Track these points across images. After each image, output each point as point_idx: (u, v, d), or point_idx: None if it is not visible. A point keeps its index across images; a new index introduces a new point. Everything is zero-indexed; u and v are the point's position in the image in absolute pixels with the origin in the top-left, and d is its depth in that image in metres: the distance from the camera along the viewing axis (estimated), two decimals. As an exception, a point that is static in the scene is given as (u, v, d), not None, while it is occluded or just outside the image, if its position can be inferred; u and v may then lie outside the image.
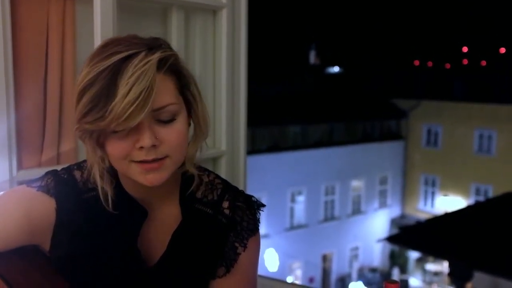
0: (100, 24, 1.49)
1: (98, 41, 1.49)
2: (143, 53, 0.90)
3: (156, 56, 0.90)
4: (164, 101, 0.92)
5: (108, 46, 0.92)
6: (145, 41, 0.94)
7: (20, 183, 1.37)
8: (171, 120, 0.94)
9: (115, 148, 0.93)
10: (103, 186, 1.00)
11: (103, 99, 0.87)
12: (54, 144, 1.53)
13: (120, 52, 0.89)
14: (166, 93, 0.93)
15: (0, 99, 1.37)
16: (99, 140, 0.94)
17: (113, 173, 1.02)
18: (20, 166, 1.46)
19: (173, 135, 0.94)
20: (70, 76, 1.54)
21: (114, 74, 0.87)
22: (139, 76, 0.87)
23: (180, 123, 0.96)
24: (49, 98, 1.51)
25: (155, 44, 0.94)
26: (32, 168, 1.49)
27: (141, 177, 0.95)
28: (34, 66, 1.48)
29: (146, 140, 0.91)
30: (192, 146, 1.04)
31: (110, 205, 1.01)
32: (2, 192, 1.08)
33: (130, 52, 0.89)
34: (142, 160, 0.93)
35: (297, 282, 18.06)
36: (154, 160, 0.93)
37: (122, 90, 0.86)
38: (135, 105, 0.86)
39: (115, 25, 1.53)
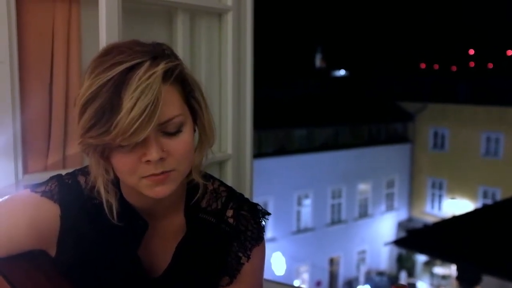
0: (105, 28, 1.49)
1: (103, 44, 1.48)
2: (147, 63, 0.86)
3: (161, 67, 0.87)
4: (171, 114, 0.89)
5: (109, 55, 0.89)
6: (148, 48, 0.91)
7: (26, 187, 1.37)
8: (177, 132, 0.92)
9: (122, 163, 0.90)
10: (108, 199, 0.98)
11: (107, 113, 0.84)
12: (60, 148, 1.53)
13: (123, 62, 0.86)
14: (172, 105, 0.90)
15: (5, 103, 1.37)
16: (104, 153, 0.92)
17: (116, 184, 1.01)
18: (25, 170, 1.46)
19: (180, 146, 0.92)
20: (75, 80, 1.53)
21: (117, 86, 0.84)
22: (144, 89, 0.83)
23: (186, 134, 0.93)
24: (55, 102, 1.51)
25: (159, 52, 0.91)
26: (38, 172, 1.48)
27: (149, 191, 0.93)
28: (40, 69, 1.48)
29: (153, 154, 0.88)
30: (198, 155, 1.01)
31: (115, 217, 0.99)
32: (6, 197, 1.07)
33: (134, 62, 0.86)
34: (150, 174, 0.91)
35: (304, 286, 18.01)
36: (162, 173, 0.91)
37: (127, 104, 0.83)
38: (140, 119, 0.83)
39: (120, 28, 1.53)
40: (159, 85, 0.86)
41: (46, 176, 1.09)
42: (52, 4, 1.50)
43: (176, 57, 0.95)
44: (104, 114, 0.84)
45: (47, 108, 1.51)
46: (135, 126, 0.83)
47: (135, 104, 0.83)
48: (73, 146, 1.56)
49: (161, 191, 0.93)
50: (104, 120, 0.84)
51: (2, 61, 1.35)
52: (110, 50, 0.90)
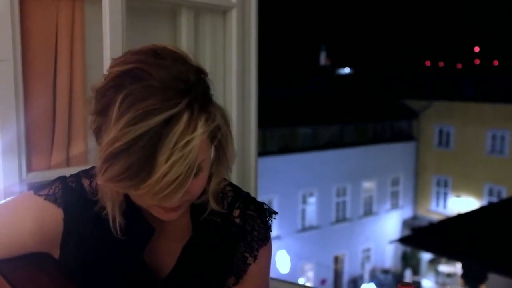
0: (109, 26, 1.49)
1: (107, 43, 1.48)
2: (185, 119, 0.80)
3: (200, 131, 0.81)
4: (198, 160, 0.85)
5: (138, 84, 0.80)
6: (179, 85, 0.82)
7: (30, 185, 1.37)
8: (198, 172, 0.87)
9: (139, 200, 0.90)
10: (114, 215, 0.96)
11: (139, 171, 0.79)
12: (64, 146, 1.53)
13: (157, 112, 0.78)
14: (202, 152, 0.85)
15: (9, 101, 1.36)
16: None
17: None
18: (29, 169, 1.45)
19: (198, 185, 0.90)
20: (79, 78, 1.53)
21: (152, 146, 0.78)
22: (181, 157, 0.79)
23: (205, 170, 0.90)
24: (58, 100, 1.51)
25: (191, 89, 0.83)
26: (42, 170, 1.48)
27: (160, 215, 0.93)
28: (44, 68, 1.48)
29: (176, 203, 0.89)
30: (215, 181, 0.98)
31: (118, 229, 0.97)
32: (9, 198, 1.07)
33: (169, 113, 0.79)
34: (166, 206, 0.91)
35: (309, 284, 18.01)
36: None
37: (161, 168, 0.79)
38: (174, 185, 0.81)
39: (124, 26, 1.52)
40: (197, 151, 0.82)
41: (50, 174, 1.09)
42: (56, 2, 1.49)
43: (206, 91, 0.89)
44: (135, 171, 0.80)
45: (51, 106, 1.50)
46: (167, 191, 0.81)
47: (170, 170, 0.79)
48: (77, 144, 1.55)
49: (172, 216, 0.94)
50: (134, 175, 0.80)
51: (5, 59, 1.35)
52: (139, 75, 0.82)
